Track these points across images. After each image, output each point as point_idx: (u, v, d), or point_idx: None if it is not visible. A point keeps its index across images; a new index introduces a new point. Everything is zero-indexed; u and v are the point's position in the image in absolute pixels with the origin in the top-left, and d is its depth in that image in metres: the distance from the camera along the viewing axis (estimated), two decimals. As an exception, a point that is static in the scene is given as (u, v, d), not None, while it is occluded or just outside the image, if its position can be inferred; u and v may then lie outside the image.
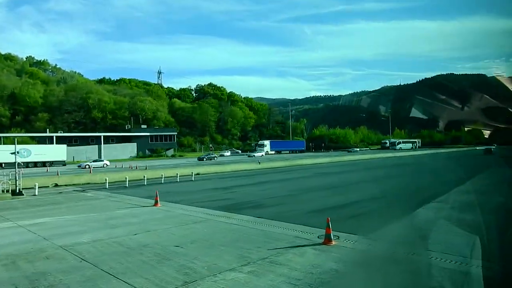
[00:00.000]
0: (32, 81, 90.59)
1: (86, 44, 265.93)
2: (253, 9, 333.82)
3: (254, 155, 66.99)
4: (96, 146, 65.02)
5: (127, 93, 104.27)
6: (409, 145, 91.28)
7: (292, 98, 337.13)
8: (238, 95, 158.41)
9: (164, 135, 75.36)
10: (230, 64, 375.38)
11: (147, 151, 70.81)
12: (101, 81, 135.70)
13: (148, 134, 72.88)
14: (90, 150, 63.71)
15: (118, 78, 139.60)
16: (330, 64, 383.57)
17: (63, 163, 48.59)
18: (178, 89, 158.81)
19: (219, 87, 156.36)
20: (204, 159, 57.77)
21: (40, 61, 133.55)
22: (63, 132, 76.53)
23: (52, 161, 47.26)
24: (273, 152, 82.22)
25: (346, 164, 41.16)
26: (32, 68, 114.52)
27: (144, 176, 24.68)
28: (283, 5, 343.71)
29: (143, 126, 78.00)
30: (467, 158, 47.49)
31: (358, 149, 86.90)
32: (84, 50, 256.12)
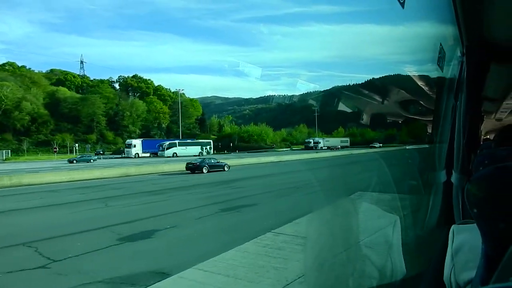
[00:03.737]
0: None
1: (32, 35, 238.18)
2: (211, 7, 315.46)
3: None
4: None
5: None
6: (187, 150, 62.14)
7: (247, 97, 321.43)
8: (166, 89, 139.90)
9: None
10: (187, 62, 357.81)
11: None
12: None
13: None
14: None
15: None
16: (286, 65, 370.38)
17: None
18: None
19: (145, 79, 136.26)
20: None
21: None
22: None
23: None
24: (148, 154, 62.37)
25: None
26: None
27: None
28: (241, 5, 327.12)
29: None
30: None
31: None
32: (30, 42, 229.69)
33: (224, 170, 28.51)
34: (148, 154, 62.50)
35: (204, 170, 27.09)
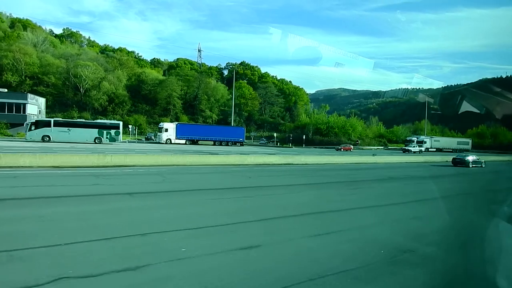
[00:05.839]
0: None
1: (181, 32, 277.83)
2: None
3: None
4: None
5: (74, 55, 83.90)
6: None
7: (377, 90, 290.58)
8: (272, 76, 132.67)
9: (8, 103, 51.07)
10: (317, 54, 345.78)
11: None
12: (105, 50, 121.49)
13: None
14: None
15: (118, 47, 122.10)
16: (425, 56, 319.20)
17: None
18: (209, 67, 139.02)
19: (252, 66, 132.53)
20: None
21: (73, 32, 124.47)
22: None
23: None
24: (183, 141, 52.43)
25: None
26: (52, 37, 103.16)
27: None
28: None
29: (2, 90, 55.18)
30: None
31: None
32: (180, 38, 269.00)
33: (482, 167, 31.23)
34: (183, 141, 52.56)
35: (470, 165, 30.60)
